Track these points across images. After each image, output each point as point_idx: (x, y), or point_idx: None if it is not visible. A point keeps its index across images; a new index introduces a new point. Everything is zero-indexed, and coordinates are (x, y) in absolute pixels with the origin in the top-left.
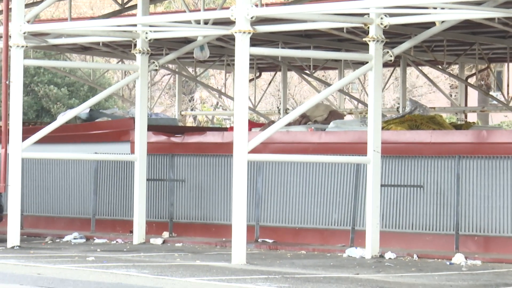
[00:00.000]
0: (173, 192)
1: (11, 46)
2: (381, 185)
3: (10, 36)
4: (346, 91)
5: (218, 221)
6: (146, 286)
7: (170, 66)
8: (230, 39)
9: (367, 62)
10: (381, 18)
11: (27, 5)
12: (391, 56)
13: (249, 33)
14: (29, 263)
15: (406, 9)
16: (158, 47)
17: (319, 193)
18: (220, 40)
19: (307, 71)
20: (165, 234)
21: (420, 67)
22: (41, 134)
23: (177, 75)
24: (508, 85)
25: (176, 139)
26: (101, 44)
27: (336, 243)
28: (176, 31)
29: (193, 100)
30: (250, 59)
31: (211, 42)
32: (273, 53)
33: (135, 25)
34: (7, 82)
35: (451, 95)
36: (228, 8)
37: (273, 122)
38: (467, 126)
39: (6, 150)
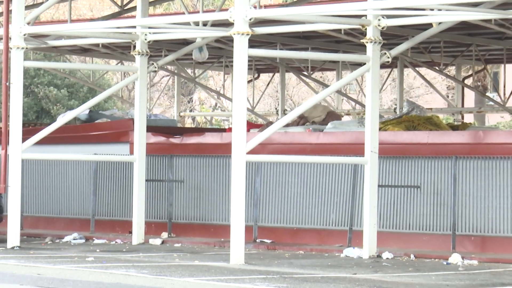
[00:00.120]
0: (172, 193)
1: (11, 48)
2: (379, 186)
3: (10, 38)
4: (344, 92)
5: (216, 222)
6: (145, 286)
7: (169, 67)
8: (229, 40)
9: (364, 64)
10: (379, 20)
11: (27, 7)
12: (388, 57)
13: (248, 34)
14: (29, 264)
15: (403, 10)
16: (157, 49)
17: (317, 194)
18: (218, 42)
19: (305, 72)
20: (164, 235)
21: (417, 68)
22: (41, 135)
23: (176, 76)
24: (504, 86)
25: (175, 140)
26: (100, 45)
27: (334, 243)
28: (175, 33)
29: (192, 101)
30: (249, 61)
31: (210, 43)
32: (272, 54)
33: (135, 27)
34: (7, 84)
35: (448, 96)
36: (226, 10)
37: (271, 123)
38: (463, 126)
39: (6, 151)
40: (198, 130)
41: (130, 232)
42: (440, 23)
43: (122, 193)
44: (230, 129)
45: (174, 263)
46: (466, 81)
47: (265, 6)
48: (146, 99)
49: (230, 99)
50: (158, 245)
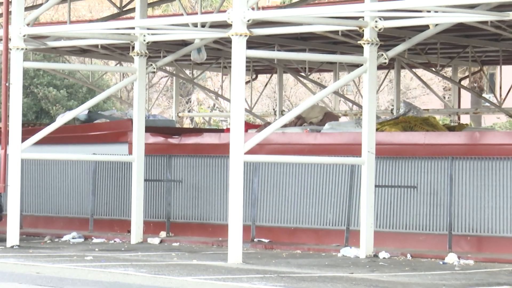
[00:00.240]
0: (170, 192)
1: (11, 49)
2: (375, 186)
3: (10, 39)
4: (341, 93)
5: (214, 221)
6: (144, 285)
7: (167, 68)
8: (227, 41)
9: (361, 65)
10: (376, 21)
11: (27, 8)
12: (385, 58)
13: (246, 36)
14: (28, 262)
15: (400, 12)
16: (155, 50)
17: (314, 194)
18: (217, 43)
19: (302, 73)
20: (163, 234)
21: (414, 70)
22: (40, 135)
23: (174, 77)
24: (500, 87)
25: (173, 140)
26: (99, 46)
27: (331, 242)
28: (174, 34)
29: (190, 101)
30: (247, 62)
31: (208, 44)
32: (269, 55)
33: (133, 28)
34: (7, 84)
35: (444, 97)
36: (225, 11)
37: (269, 123)
38: (460, 127)
39: (5, 151)
40: (197, 131)
41: (129, 232)
42: (436, 24)
43: (120, 192)
44: (228, 130)
45: (172, 262)
46: (462, 82)
47: (263, 8)
48: (144, 99)
49: (228, 100)
50: (156, 244)
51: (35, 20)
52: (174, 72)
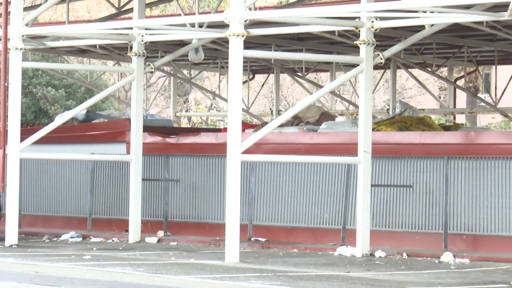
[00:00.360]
0: (168, 192)
1: (10, 49)
2: (372, 185)
3: (9, 39)
4: (338, 93)
5: (212, 220)
6: (141, 284)
7: (165, 68)
8: (224, 42)
9: (358, 65)
10: (372, 22)
11: (26, 9)
12: (381, 58)
13: (243, 36)
14: (26, 262)
15: (396, 12)
16: (153, 50)
17: (311, 193)
18: (214, 43)
19: (299, 73)
20: (160, 233)
21: (410, 70)
22: (39, 135)
23: (172, 77)
24: (496, 87)
25: (171, 140)
26: (98, 46)
27: (328, 241)
28: (171, 34)
29: (188, 101)
30: (244, 62)
31: (205, 44)
32: (266, 55)
33: (131, 28)
34: (6, 84)
35: (440, 97)
36: (222, 11)
37: (266, 123)
38: (455, 127)
39: (4, 150)
40: (194, 130)
41: (127, 231)
42: (432, 25)
43: (118, 192)
44: (225, 129)
45: (170, 261)
46: (458, 82)
47: (260, 8)
48: (142, 99)
49: (226, 100)
50: (154, 244)
51: (33, 20)
52: (171, 72)
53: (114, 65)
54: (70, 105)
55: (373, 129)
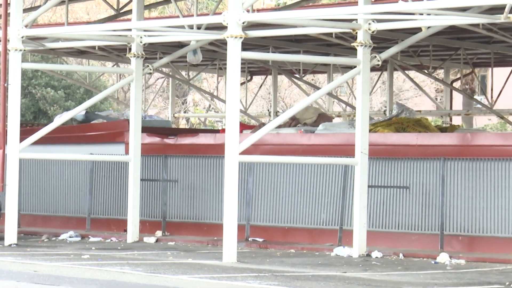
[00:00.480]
0: (166, 192)
1: (9, 50)
2: (368, 186)
3: (9, 40)
4: (335, 94)
5: (209, 221)
6: (140, 283)
7: (164, 69)
8: (222, 43)
9: (355, 66)
10: (369, 24)
11: (25, 10)
12: (378, 60)
13: (241, 38)
14: (25, 261)
15: (393, 15)
16: (152, 51)
17: (308, 194)
18: (212, 45)
19: (297, 75)
20: (158, 233)
21: (406, 72)
22: (38, 135)
23: (170, 78)
24: (492, 89)
25: (169, 141)
26: (97, 48)
27: (325, 242)
28: (170, 36)
29: (186, 102)
30: (242, 63)
31: (203, 46)
32: (264, 57)
33: (130, 30)
34: (5, 85)
35: (436, 99)
36: (220, 13)
37: (263, 124)
38: (452, 129)
39: (4, 150)
40: (192, 131)
41: (125, 231)
42: (429, 27)
43: (117, 192)
44: (223, 130)
45: (168, 261)
46: (454, 84)
47: (258, 10)
48: (141, 100)
49: (224, 101)
50: (152, 243)
51: (33, 21)
52: (170, 73)
53: (113, 66)
54: (69, 106)
55: (370, 131)
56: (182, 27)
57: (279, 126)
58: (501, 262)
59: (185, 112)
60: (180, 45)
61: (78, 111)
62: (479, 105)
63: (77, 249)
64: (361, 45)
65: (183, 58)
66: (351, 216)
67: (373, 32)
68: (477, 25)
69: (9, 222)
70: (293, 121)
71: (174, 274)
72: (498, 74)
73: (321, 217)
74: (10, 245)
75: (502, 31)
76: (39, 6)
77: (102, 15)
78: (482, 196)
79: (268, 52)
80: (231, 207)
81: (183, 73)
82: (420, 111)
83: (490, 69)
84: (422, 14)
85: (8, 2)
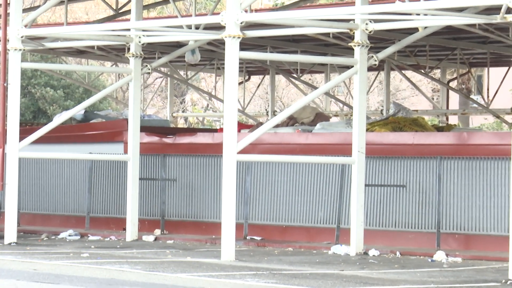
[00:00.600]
0: (165, 191)
1: (9, 50)
2: (365, 185)
3: (8, 40)
4: (332, 94)
5: (208, 219)
6: (139, 281)
7: (162, 69)
8: (221, 43)
9: (352, 66)
10: (366, 24)
11: (25, 10)
12: (375, 60)
13: (239, 37)
14: (25, 259)
15: (390, 15)
16: (150, 51)
17: (305, 192)
18: (210, 45)
19: (294, 75)
20: (157, 232)
21: (403, 71)
22: (37, 135)
23: (169, 78)
24: (488, 89)
25: (168, 140)
26: (96, 47)
27: (322, 240)
28: (168, 36)
29: (184, 102)
30: (240, 63)
31: (202, 46)
32: (262, 57)
33: (129, 30)
34: (5, 84)
35: (433, 98)
36: (218, 13)
37: (261, 123)
38: (448, 128)
39: (3, 150)
40: (190, 130)
41: (124, 229)
42: (425, 27)
43: (116, 191)
44: (221, 130)
45: (166, 260)
46: (450, 84)
47: (256, 10)
48: (139, 100)
49: (222, 100)
50: (151, 242)
51: (32, 21)
52: (168, 73)
53: (112, 66)
54: (69, 105)
55: (367, 130)
56: (181, 27)
57: (277, 126)
58: (497, 260)
59: (183, 111)
60: (179, 45)
61: (77, 111)
62: (475, 105)
63: (76, 247)
64: (358, 45)
65: (182, 58)
66: (348, 214)
67: (370, 32)
68: (473, 25)
69: (9, 221)
70: (291, 121)
71: (173, 272)
72: (494, 74)
73: (318, 215)
74: (9, 243)
75: (498, 31)
76: (38, 6)
77: (101, 15)
78: (479, 195)
79: (266, 52)
80: (229, 205)
81: (182, 72)
82: (416, 110)
83: (486, 69)
84: (419, 14)
85: (8, 2)
